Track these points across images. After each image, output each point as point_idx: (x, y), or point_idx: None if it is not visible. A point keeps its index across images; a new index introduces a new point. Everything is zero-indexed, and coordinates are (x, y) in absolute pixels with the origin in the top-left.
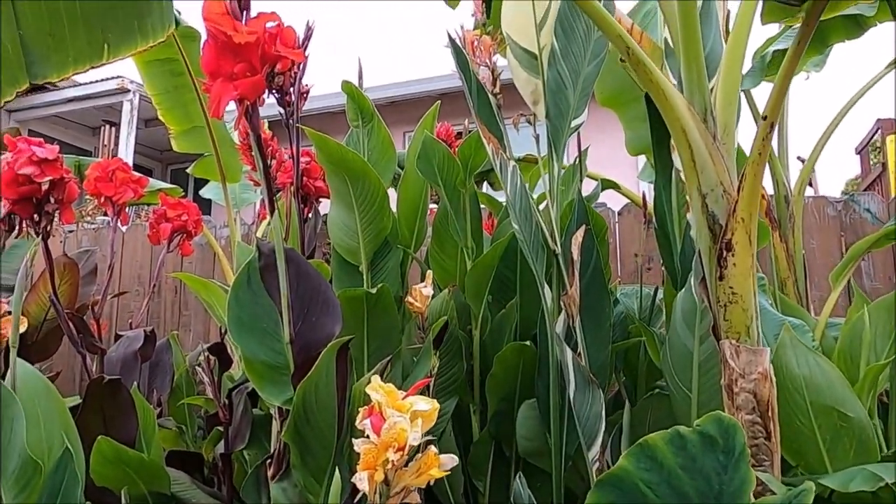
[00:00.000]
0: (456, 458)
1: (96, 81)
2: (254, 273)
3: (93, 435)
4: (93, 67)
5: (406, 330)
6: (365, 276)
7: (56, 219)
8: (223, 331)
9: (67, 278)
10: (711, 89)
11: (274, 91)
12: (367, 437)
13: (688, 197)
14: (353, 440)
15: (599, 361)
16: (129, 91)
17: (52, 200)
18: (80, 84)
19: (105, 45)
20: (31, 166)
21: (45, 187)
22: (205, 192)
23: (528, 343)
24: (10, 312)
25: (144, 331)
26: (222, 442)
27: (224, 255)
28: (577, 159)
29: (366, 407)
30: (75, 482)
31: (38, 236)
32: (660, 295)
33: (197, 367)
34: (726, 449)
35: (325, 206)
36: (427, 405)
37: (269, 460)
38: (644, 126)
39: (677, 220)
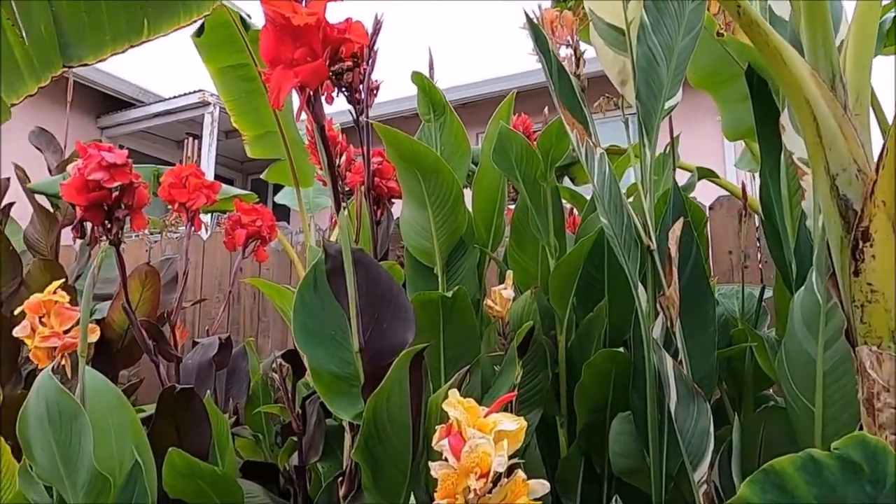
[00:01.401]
0: (547, 484)
1: (179, 96)
2: (320, 277)
3: (166, 446)
4: (132, 47)
5: (485, 336)
6: (440, 279)
7: (127, 225)
8: None
9: (149, 286)
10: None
11: (343, 89)
12: (446, 459)
13: (802, 182)
14: (430, 463)
15: (703, 370)
16: (209, 104)
17: (122, 206)
18: (165, 99)
19: (145, 22)
20: (100, 171)
21: (115, 193)
22: (280, 198)
23: (621, 350)
24: (94, 321)
25: (220, 338)
26: (296, 454)
27: (299, 261)
28: (669, 146)
29: (443, 425)
30: (145, 497)
31: (109, 243)
32: (766, 294)
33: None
34: (874, 478)
35: (397, 207)
36: (513, 424)
37: (341, 478)
38: (743, 107)
39: (788, 209)
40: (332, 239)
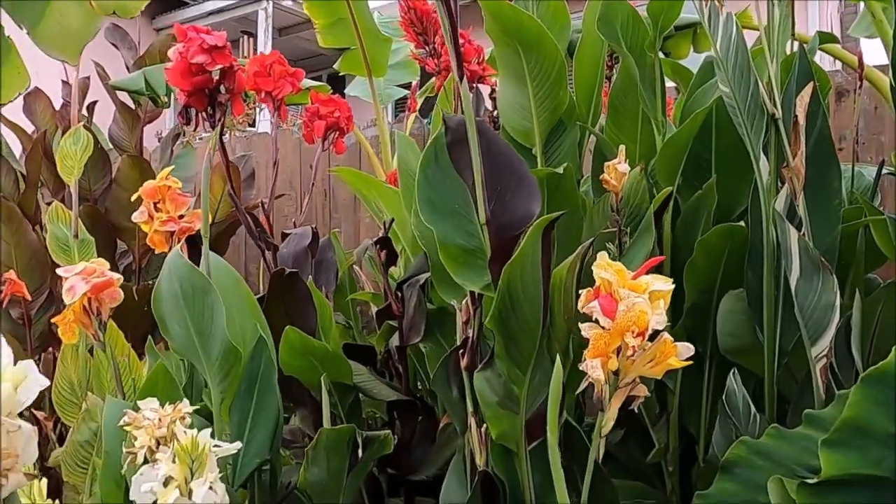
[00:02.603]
0: (692, 347)
1: None
2: (441, 150)
3: (277, 326)
4: None
5: (588, 216)
6: (539, 159)
7: (228, 111)
8: (387, 225)
9: (231, 182)
10: None
11: None
12: (596, 321)
13: None
14: (581, 324)
15: (826, 244)
16: (262, 0)
17: (223, 90)
18: None
19: None
20: (202, 54)
21: (216, 77)
22: (351, 90)
23: (741, 223)
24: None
25: (312, 228)
26: (396, 335)
27: (373, 153)
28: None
29: (588, 288)
30: (271, 369)
31: (213, 129)
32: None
33: (355, 267)
34: None
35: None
36: (665, 285)
37: (461, 350)
38: None
39: None
40: (407, 130)
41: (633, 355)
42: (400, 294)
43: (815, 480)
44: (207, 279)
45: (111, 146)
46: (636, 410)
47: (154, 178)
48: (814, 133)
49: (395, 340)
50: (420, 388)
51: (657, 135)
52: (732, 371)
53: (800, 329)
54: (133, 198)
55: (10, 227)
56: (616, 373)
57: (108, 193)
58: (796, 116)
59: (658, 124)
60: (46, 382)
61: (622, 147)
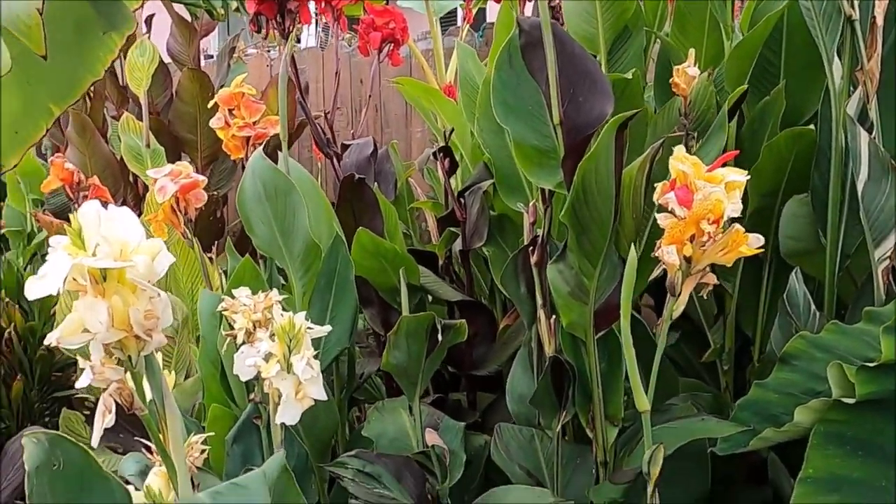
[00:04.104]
0: (762, 238)
1: None
2: (515, 52)
3: (347, 230)
4: None
5: (652, 122)
6: (603, 66)
7: (297, 19)
8: (447, 135)
9: (286, 96)
10: None
11: None
12: (671, 211)
13: None
14: (657, 214)
15: None
16: None
17: None
18: None
19: None
20: None
21: None
22: (402, 2)
23: (810, 127)
24: None
25: (373, 138)
26: (458, 241)
27: (427, 66)
28: None
29: (664, 182)
30: (348, 266)
31: (283, 37)
32: None
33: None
34: None
35: None
36: (740, 175)
37: (530, 248)
38: None
39: None
40: (463, 36)
41: (707, 243)
42: (462, 201)
43: (874, 364)
44: (289, 179)
45: (169, 60)
46: (693, 314)
47: (213, 91)
48: (891, 36)
49: (457, 245)
50: (478, 293)
51: (726, 40)
52: (794, 270)
53: (863, 232)
54: (210, 104)
55: (84, 138)
56: (688, 260)
57: (169, 106)
58: (874, 17)
59: (727, 29)
60: (173, 259)
61: (692, 50)
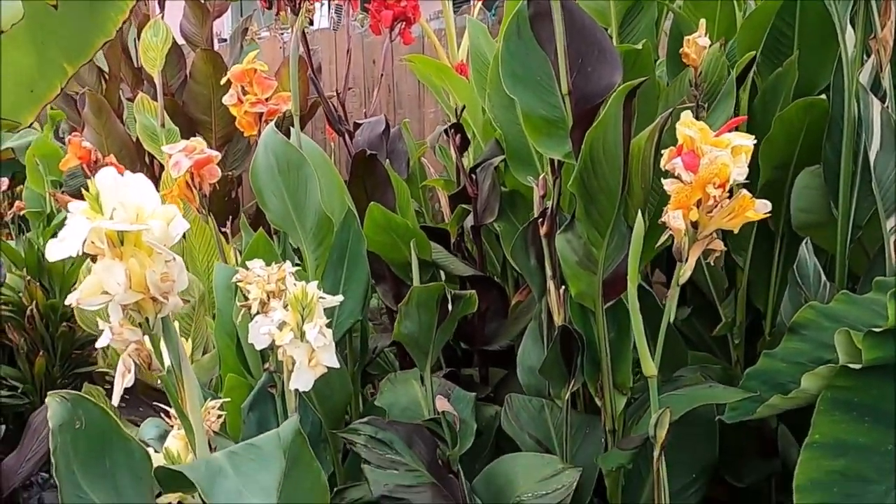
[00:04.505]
0: (769, 204)
1: None
2: (523, 23)
3: (359, 205)
4: None
5: (664, 94)
6: (615, 39)
7: None
8: (458, 112)
9: (299, 75)
10: None
11: None
12: (678, 177)
13: None
14: (663, 180)
15: None
16: None
17: None
18: None
19: None
20: None
21: None
22: None
23: (822, 97)
24: None
25: (385, 116)
26: (470, 217)
27: (439, 45)
28: None
29: (671, 147)
30: (360, 240)
31: (294, 14)
32: None
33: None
34: None
35: None
36: (747, 140)
37: (540, 220)
38: None
39: None
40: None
41: (713, 208)
42: (473, 177)
43: (881, 329)
44: (301, 153)
45: (182, 42)
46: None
47: (226, 72)
48: None
49: (469, 222)
50: (490, 270)
51: (738, 10)
52: (805, 240)
53: (875, 204)
54: (222, 81)
55: (100, 119)
56: (695, 225)
57: (183, 87)
58: None
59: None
60: (188, 225)
61: (703, 20)
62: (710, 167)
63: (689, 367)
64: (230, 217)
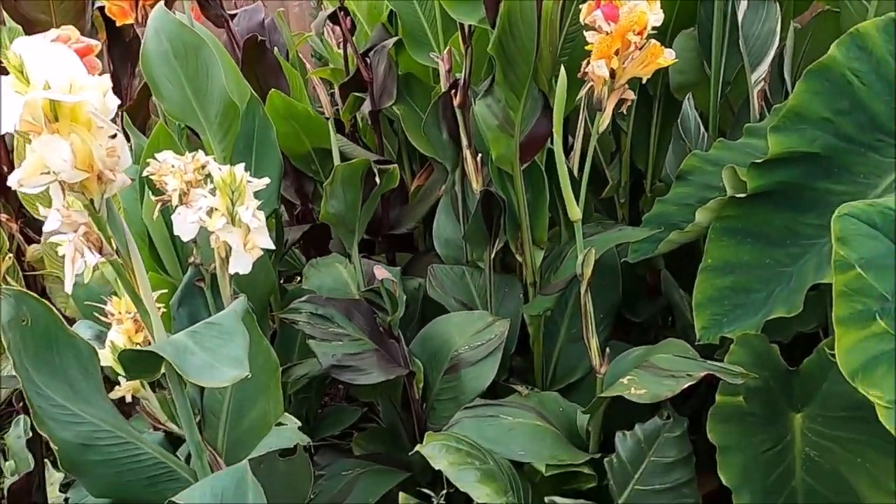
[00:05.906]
0: (672, 53)
1: None
2: None
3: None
4: None
5: None
6: None
7: None
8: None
9: None
10: None
11: None
12: (598, 28)
13: None
14: (584, 32)
15: None
16: None
17: None
18: None
19: None
20: None
21: None
22: None
23: None
24: None
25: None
26: (367, 103)
27: None
28: None
29: (589, 2)
30: (267, 126)
31: None
32: None
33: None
34: None
35: None
36: None
37: (453, 90)
38: None
39: None
40: None
41: (632, 54)
42: (367, 61)
43: (762, 160)
44: (199, 35)
45: None
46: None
47: None
48: None
49: (366, 107)
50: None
51: None
52: (687, 96)
53: (742, 60)
54: None
55: None
56: (613, 75)
57: None
58: None
59: None
60: (118, 101)
61: None
62: (630, 15)
63: (588, 224)
64: None
